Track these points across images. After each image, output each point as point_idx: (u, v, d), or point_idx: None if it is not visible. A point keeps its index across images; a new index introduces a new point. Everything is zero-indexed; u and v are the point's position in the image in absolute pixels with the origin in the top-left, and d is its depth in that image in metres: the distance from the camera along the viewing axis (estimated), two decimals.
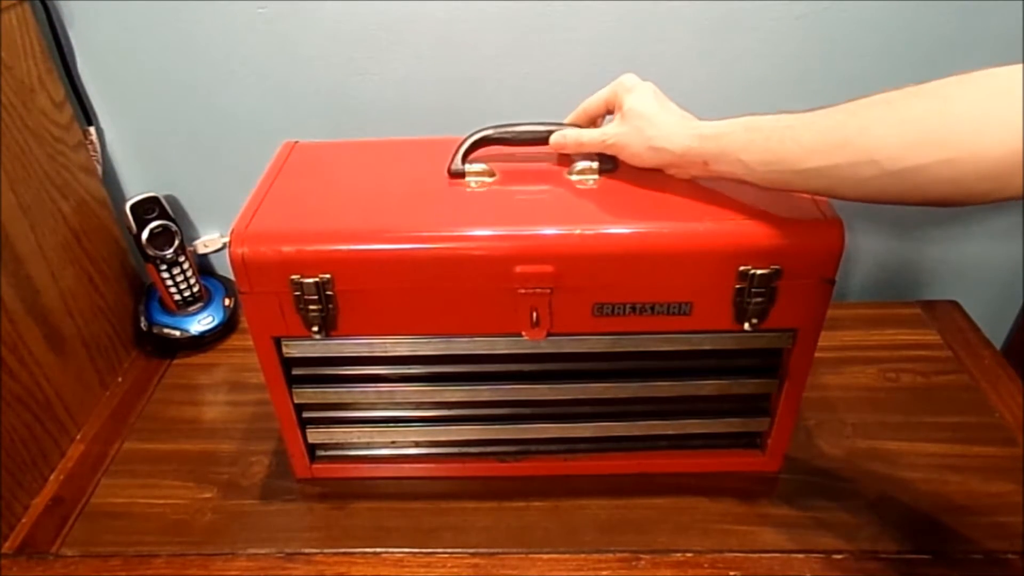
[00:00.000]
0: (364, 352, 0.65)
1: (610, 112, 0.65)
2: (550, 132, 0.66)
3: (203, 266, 1.01)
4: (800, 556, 0.66)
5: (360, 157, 0.71)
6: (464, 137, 0.66)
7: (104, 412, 0.85)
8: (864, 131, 0.47)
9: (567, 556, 0.67)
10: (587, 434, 0.71)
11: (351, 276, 0.60)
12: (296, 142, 0.74)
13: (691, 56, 0.84)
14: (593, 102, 0.66)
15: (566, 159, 0.67)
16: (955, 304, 0.98)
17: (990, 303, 1.01)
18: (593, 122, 0.67)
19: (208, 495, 0.74)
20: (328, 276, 0.60)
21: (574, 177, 0.65)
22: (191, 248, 0.98)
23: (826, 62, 0.84)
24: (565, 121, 0.67)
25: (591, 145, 0.64)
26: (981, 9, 0.79)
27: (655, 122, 0.60)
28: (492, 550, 0.67)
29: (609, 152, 0.63)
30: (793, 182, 0.52)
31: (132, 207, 0.87)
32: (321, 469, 0.74)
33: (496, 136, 0.66)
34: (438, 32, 0.83)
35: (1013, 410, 0.81)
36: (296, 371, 0.67)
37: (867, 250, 0.99)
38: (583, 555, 0.67)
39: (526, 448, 0.74)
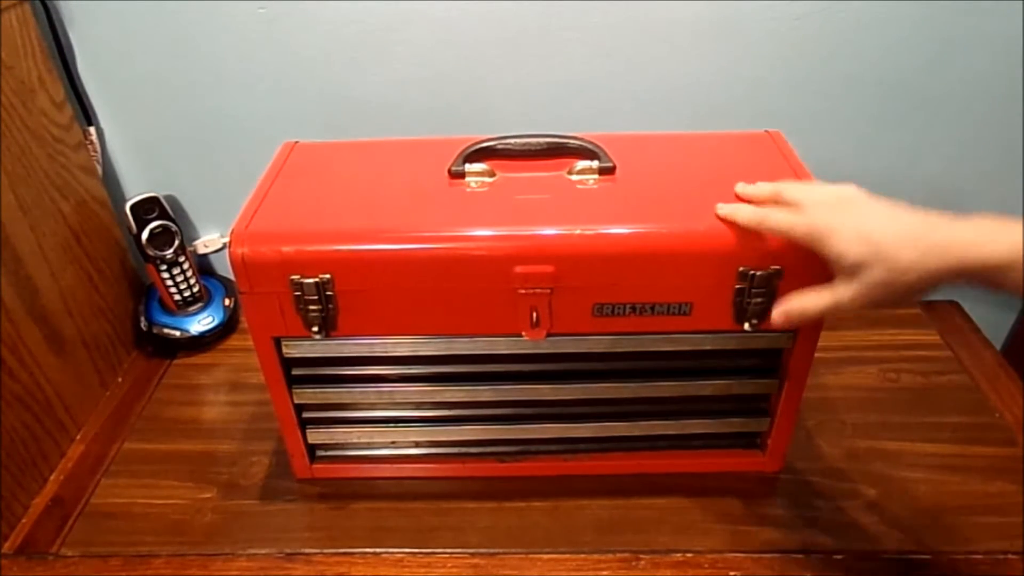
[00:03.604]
0: (364, 352, 0.65)
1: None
2: (551, 144, 0.66)
3: (203, 266, 1.01)
4: (800, 556, 0.66)
5: (360, 157, 0.71)
6: (465, 147, 0.66)
7: (104, 412, 0.85)
8: None
9: (567, 556, 0.67)
10: (587, 434, 0.71)
11: (351, 276, 0.60)
12: (296, 142, 0.74)
13: (691, 57, 0.84)
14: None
15: (566, 159, 0.67)
16: (955, 304, 0.98)
17: (990, 303, 1.01)
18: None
19: (208, 495, 0.74)
20: (328, 276, 0.60)
21: (574, 177, 0.65)
22: (191, 248, 0.97)
23: (826, 62, 0.83)
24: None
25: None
26: (981, 9, 0.79)
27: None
28: (492, 550, 0.67)
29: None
30: None
31: (132, 207, 0.87)
32: (321, 469, 0.74)
33: (499, 148, 0.66)
34: (438, 32, 0.83)
35: (1013, 410, 0.81)
36: (296, 371, 0.67)
37: None
38: (583, 555, 0.67)
39: (526, 448, 0.74)
